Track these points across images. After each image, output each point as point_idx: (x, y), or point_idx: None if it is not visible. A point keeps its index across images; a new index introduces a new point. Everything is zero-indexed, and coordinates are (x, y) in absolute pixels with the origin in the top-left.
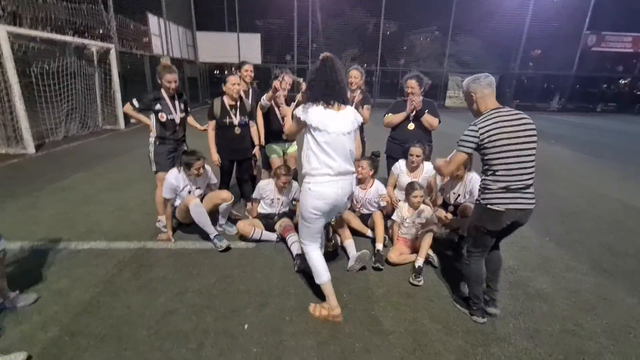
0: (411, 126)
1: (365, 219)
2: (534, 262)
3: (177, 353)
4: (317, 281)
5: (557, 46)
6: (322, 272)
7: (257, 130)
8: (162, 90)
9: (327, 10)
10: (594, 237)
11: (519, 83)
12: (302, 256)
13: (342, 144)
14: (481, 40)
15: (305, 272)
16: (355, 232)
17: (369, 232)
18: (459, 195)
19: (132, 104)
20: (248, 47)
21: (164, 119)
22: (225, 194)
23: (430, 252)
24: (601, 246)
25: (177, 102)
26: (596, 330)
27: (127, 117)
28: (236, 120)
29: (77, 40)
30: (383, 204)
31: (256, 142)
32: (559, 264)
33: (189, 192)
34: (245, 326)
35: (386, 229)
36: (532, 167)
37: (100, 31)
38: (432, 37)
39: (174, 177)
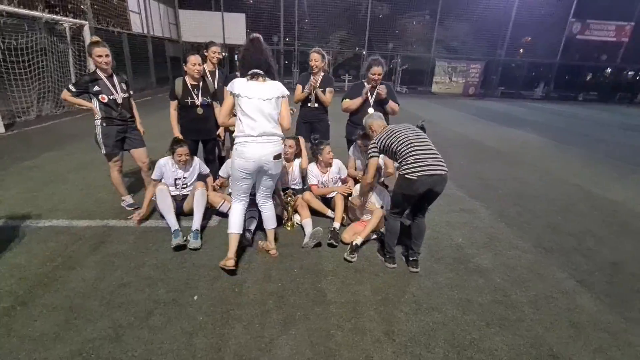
0: (371, 111)
1: (328, 201)
2: (480, 241)
3: (124, 320)
4: (228, 230)
5: (543, 33)
6: (234, 225)
7: None
8: (98, 70)
9: None
10: (543, 218)
11: (505, 70)
12: (251, 231)
13: (262, 108)
14: (469, 26)
15: (252, 247)
16: (316, 213)
17: (329, 212)
18: None
19: (69, 90)
20: (233, 27)
21: (105, 100)
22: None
23: (383, 229)
24: (547, 227)
25: (116, 81)
26: (522, 300)
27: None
28: (198, 101)
29: (48, 15)
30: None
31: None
32: (504, 242)
33: (176, 179)
34: (195, 297)
35: (346, 207)
36: (427, 141)
37: (73, 5)
38: (422, 21)
39: (164, 160)
